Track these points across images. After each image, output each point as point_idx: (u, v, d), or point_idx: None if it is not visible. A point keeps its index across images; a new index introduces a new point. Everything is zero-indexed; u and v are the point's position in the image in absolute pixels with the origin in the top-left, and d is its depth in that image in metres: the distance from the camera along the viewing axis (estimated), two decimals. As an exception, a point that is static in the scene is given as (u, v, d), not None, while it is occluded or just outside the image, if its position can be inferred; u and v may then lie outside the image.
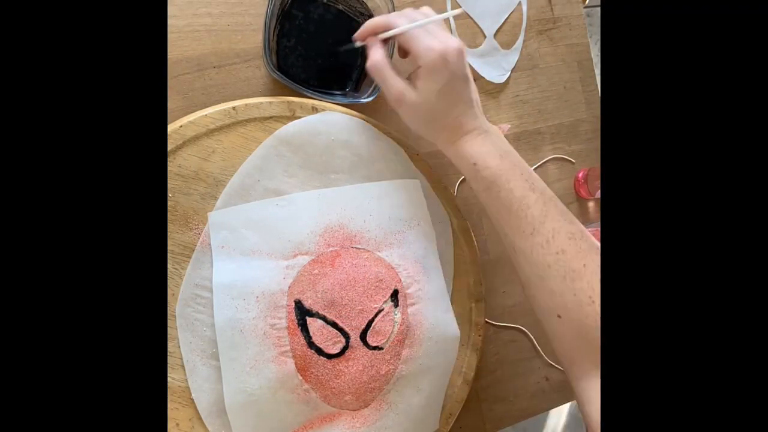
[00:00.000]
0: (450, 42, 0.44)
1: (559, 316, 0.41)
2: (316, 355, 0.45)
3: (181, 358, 0.45)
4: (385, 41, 0.47)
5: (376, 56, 0.46)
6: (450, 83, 0.44)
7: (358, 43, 0.49)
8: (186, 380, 0.45)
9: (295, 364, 0.45)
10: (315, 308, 0.45)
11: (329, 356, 0.46)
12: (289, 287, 0.46)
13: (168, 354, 0.44)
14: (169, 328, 0.45)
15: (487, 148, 0.45)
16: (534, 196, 0.43)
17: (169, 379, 0.44)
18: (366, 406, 0.48)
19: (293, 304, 0.45)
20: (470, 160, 0.45)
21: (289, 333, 0.45)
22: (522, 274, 0.45)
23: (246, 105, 0.47)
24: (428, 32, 0.44)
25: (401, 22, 0.45)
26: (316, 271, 0.46)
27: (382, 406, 0.49)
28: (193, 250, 0.46)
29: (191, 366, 0.45)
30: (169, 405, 0.44)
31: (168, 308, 0.45)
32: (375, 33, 0.47)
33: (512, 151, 0.46)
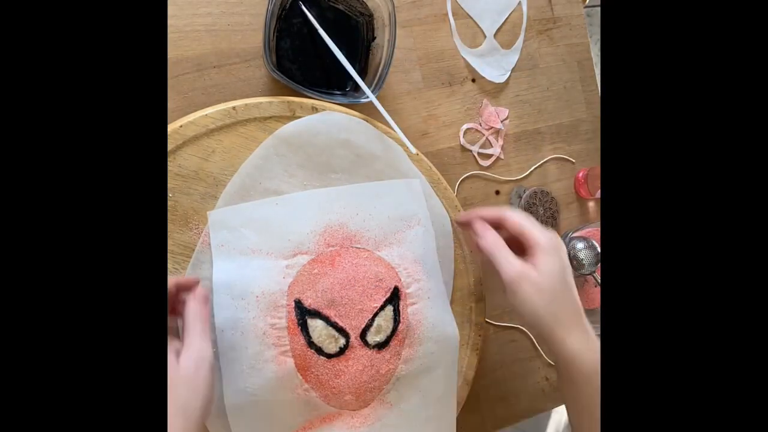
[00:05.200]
0: (553, 233, 0.46)
1: None
2: (315, 355, 0.45)
3: (181, 358, 0.45)
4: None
5: (491, 237, 0.46)
6: (564, 268, 0.45)
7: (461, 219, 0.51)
8: (186, 380, 0.45)
9: (295, 363, 0.45)
10: (315, 307, 0.45)
11: (329, 356, 0.46)
12: (288, 287, 0.46)
13: (168, 354, 0.45)
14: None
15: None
16: None
17: (169, 378, 0.44)
18: (366, 406, 0.48)
19: (293, 303, 0.45)
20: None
21: (288, 332, 0.45)
22: None
23: (246, 105, 0.47)
24: (536, 223, 0.46)
25: (511, 213, 0.47)
26: (315, 271, 0.46)
27: (382, 405, 0.49)
28: (193, 250, 0.46)
29: (191, 366, 0.45)
30: (169, 405, 0.44)
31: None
32: (482, 218, 0.48)
33: None
